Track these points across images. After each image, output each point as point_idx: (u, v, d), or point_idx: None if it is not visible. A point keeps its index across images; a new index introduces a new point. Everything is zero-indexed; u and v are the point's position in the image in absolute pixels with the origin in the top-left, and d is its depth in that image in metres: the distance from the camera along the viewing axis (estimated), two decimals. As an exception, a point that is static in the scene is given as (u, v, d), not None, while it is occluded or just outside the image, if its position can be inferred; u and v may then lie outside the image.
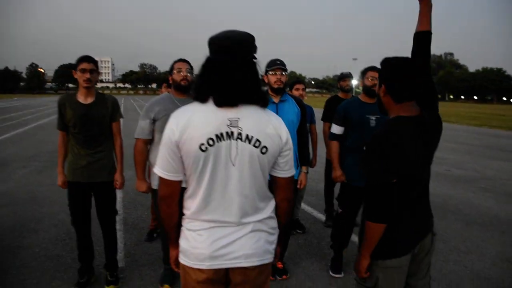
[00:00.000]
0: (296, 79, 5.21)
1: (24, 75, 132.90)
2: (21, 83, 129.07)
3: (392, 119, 1.97)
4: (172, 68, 3.37)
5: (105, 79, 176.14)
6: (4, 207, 5.88)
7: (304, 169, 3.77)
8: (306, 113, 3.76)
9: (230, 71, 1.64)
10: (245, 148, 1.67)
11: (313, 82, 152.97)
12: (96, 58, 3.51)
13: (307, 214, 5.81)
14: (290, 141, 1.82)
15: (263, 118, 1.72)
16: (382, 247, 1.98)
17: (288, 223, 2.10)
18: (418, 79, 1.94)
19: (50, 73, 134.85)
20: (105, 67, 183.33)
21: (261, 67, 1.78)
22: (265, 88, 3.65)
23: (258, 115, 1.71)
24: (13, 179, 7.72)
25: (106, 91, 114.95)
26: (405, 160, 1.86)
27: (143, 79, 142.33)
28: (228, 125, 1.64)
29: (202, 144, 1.62)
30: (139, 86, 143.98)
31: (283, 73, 3.55)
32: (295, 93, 4.80)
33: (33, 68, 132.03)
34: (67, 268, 3.89)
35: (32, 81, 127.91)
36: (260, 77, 1.76)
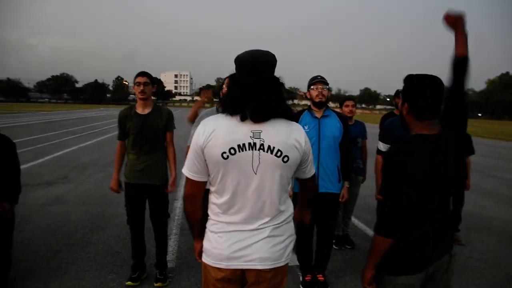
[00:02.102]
0: (347, 96, 5.27)
1: (110, 87, 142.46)
2: (108, 95, 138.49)
3: (407, 137, 2.01)
4: (223, 83, 3.66)
5: (183, 92, 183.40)
6: (80, 206, 6.53)
7: (346, 184, 3.84)
8: (348, 129, 3.83)
9: (257, 90, 1.80)
10: (267, 158, 1.81)
11: (388, 99, 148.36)
12: (176, 72, 3.98)
13: (358, 230, 5.79)
14: (309, 147, 1.96)
15: (284, 129, 1.85)
16: (393, 263, 2.01)
17: (309, 222, 2.30)
18: (440, 98, 1.95)
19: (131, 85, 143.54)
20: (183, 80, 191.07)
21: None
22: (307, 104, 3.80)
23: (280, 127, 1.84)
24: (90, 181, 8.47)
25: (183, 104, 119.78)
26: (413, 178, 1.87)
27: (218, 92, 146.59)
28: (251, 137, 1.80)
29: (224, 152, 1.79)
30: (215, 99, 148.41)
31: (325, 87, 3.68)
32: (345, 109, 4.88)
33: (118, 80, 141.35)
34: (124, 264, 4.26)
35: (117, 93, 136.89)
36: (284, 93, 1.90)
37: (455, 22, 2.14)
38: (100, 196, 7.23)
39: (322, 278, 3.97)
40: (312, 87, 3.71)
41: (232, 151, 1.79)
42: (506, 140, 26.43)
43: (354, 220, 5.88)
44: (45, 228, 5.38)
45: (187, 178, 1.94)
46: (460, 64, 2.11)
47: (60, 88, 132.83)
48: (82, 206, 6.49)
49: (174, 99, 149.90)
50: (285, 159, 1.83)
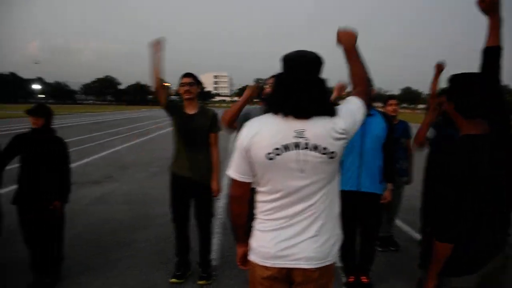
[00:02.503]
0: (389, 95, 5.16)
1: (152, 89, 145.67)
2: (150, 96, 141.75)
3: (458, 139, 1.97)
4: (264, 83, 3.67)
5: (223, 93, 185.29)
6: (124, 205, 6.71)
7: (390, 185, 3.77)
8: (393, 129, 3.74)
9: (301, 89, 1.79)
10: (313, 156, 1.79)
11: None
12: (215, 73, 4.00)
13: (403, 232, 5.64)
14: (354, 123, 1.89)
15: (327, 125, 1.81)
16: (450, 264, 1.96)
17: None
18: (486, 96, 1.91)
19: (175, 87, 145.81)
20: (222, 81, 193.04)
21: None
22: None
23: (323, 123, 1.81)
24: (133, 181, 8.70)
25: (223, 104, 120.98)
26: (466, 180, 1.84)
27: (258, 93, 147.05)
28: (295, 136, 1.79)
29: (269, 153, 1.79)
30: (254, 100, 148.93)
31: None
32: (388, 108, 4.78)
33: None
34: (168, 262, 4.34)
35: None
36: (327, 92, 1.90)
37: (489, 6, 2.01)
38: (143, 195, 7.41)
39: (366, 280, 3.90)
40: None
41: (277, 151, 1.79)
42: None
43: (398, 221, 5.74)
44: (92, 225, 5.56)
45: (233, 179, 1.95)
46: (492, 55, 2.03)
47: (104, 90, 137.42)
48: (126, 205, 6.68)
49: (213, 99, 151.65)
50: (332, 154, 1.80)
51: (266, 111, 1.90)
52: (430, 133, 3.97)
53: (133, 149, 14.26)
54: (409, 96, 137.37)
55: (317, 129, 1.80)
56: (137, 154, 12.86)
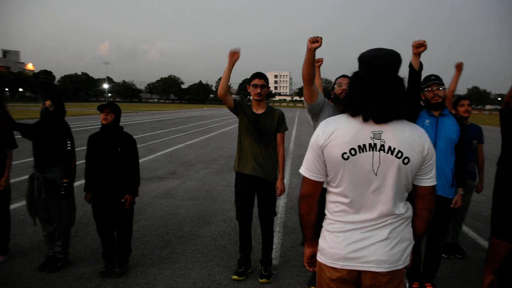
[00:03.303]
0: (461, 96, 4.91)
1: (213, 88, 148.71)
2: (211, 95, 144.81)
3: None
4: (334, 83, 3.63)
5: (283, 92, 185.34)
6: (188, 200, 6.91)
7: (460, 190, 3.60)
8: (465, 132, 3.58)
9: (380, 90, 1.76)
10: (388, 159, 1.77)
11: (499, 99, 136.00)
12: (276, 73, 4.01)
13: (470, 239, 5.37)
14: (433, 152, 1.85)
15: (406, 130, 1.79)
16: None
17: (425, 234, 2.09)
18: None
19: (235, 86, 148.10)
20: (283, 81, 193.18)
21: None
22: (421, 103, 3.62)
23: (401, 128, 1.79)
24: (196, 177, 8.92)
25: (283, 104, 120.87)
26: None
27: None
28: (371, 137, 1.77)
29: (345, 153, 1.78)
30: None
31: (440, 87, 3.47)
32: (460, 109, 4.55)
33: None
34: (229, 259, 4.41)
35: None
36: (405, 93, 1.84)
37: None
38: (205, 191, 7.59)
39: (431, 287, 3.76)
40: (426, 89, 3.52)
41: (353, 151, 1.78)
42: None
43: (464, 228, 5.48)
44: (157, 219, 5.78)
45: (304, 177, 1.95)
46: None
47: (168, 89, 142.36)
48: (189, 201, 6.87)
49: (274, 99, 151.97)
50: (406, 160, 1.76)
51: (342, 111, 1.89)
52: None
53: (195, 146, 14.63)
54: (476, 97, 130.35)
55: (395, 132, 1.77)
56: (199, 152, 13.18)
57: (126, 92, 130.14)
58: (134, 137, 4.05)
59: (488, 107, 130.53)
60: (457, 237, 4.87)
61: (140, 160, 10.38)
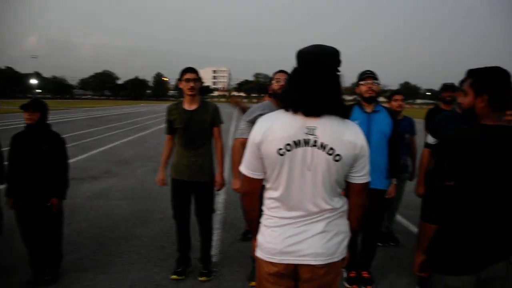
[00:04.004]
0: (395, 90, 5.12)
1: (150, 84, 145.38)
2: (148, 91, 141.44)
3: (472, 126, 1.97)
4: (272, 78, 3.63)
5: (222, 87, 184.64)
6: (124, 200, 6.69)
7: (394, 180, 3.74)
8: (398, 125, 3.72)
9: (313, 83, 1.77)
10: (320, 155, 1.78)
11: (428, 93, 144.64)
12: (214, 68, 3.93)
13: (403, 227, 5.64)
14: (366, 150, 1.88)
15: (339, 127, 1.81)
16: (441, 260, 1.99)
17: (360, 228, 2.14)
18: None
19: (173, 82, 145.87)
20: (222, 76, 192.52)
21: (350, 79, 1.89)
22: (356, 99, 3.71)
23: (335, 124, 1.81)
24: (133, 176, 8.67)
25: (221, 99, 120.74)
26: (468, 166, 1.86)
27: (257, 88, 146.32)
28: (305, 133, 1.78)
29: (280, 148, 1.79)
30: (252, 94, 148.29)
31: (374, 82, 3.58)
32: (394, 103, 4.73)
33: (158, 77, 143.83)
34: (168, 258, 4.32)
35: (157, 89, 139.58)
36: (341, 90, 1.86)
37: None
38: (142, 190, 7.38)
39: (367, 275, 3.91)
40: (361, 82, 3.62)
41: (288, 147, 1.79)
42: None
43: (397, 217, 5.72)
44: (91, 221, 5.53)
45: (244, 175, 1.95)
46: None
47: (102, 85, 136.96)
48: (125, 201, 6.65)
49: (212, 94, 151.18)
50: (337, 157, 1.79)
51: (279, 107, 1.90)
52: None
53: (132, 144, 14.21)
54: (407, 91, 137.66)
55: (329, 128, 1.79)
56: (136, 149, 12.81)
57: (57, 88, 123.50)
58: (65, 135, 3.83)
59: (418, 101, 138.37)
60: (391, 226, 5.09)
61: (73, 160, 9.93)
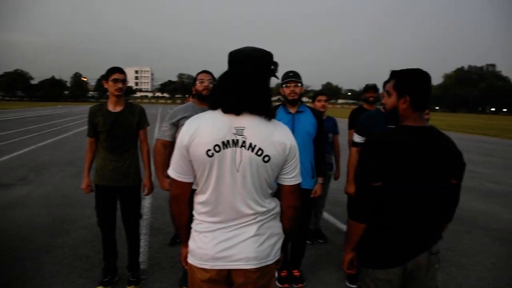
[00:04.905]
0: (318, 91, 5.27)
1: (68, 84, 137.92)
2: (65, 92, 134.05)
3: (395, 127, 2.05)
4: (195, 79, 3.56)
5: (144, 88, 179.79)
6: (41, 208, 6.23)
7: (320, 179, 3.83)
8: (323, 125, 3.82)
9: (238, 81, 1.77)
10: (248, 156, 1.77)
11: (349, 94, 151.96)
12: (136, 68, 3.77)
13: (330, 224, 5.83)
14: (296, 151, 1.90)
15: (268, 128, 1.81)
16: (370, 255, 2.07)
17: (293, 230, 2.15)
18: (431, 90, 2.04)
19: (92, 82, 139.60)
20: (144, 76, 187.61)
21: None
22: (281, 99, 3.76)
23: (264, 125, 1.80)
24: (51, 182, 8.13)
25: (144, 100, 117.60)
26: (393, 166, 1.93)
27: (181, 88, 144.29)
28: (234, 133, 1.76)
29: (209, 150, 1.74)
30: (176, 95, 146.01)
31: (297, 84, 3.64)
32: (317, 104, 4.87)
33: (77, 77, 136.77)
34: (93, 268, 4.09)
35: (76, 90, 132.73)
36: (268, 90, 1.86)
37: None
38: (62, 197, 6.95)
39: (298, 273, 3.98)
40: (284, 85, 3.66)
41: (217, 148, 1.75)
42: (468, 133, 27.40)
43: (324, 214, 5.91)
44: (4, 234, 5.09)
45: (172, 179, 1.88)
46: None
47: (14, 85, 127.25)
48: (44, 209, 6.20)
49: (135, 95, 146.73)
50: (266, 158, 1.78)
51: (209, 107, 1.87)
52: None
53: (49, 148, 13.31)
54: (330, 92, 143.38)
55: (257, 129, 1.78)
56: (54, 154, 12.03)
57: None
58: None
59: (340, 101, 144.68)
60: (318, 223, 5.23)
61: (-19, 167, 9.12)
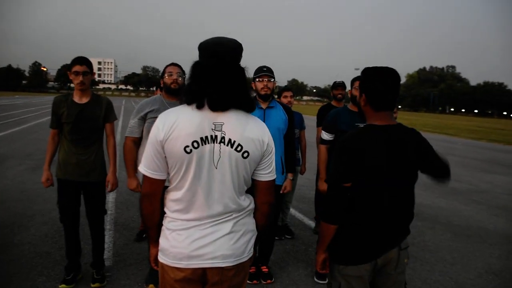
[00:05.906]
0: (284, 87, 5.27)
1: (26, 74, 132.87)
2: (24, 81, 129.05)
3: (362, 127, 2.05)
4: (164, 71, 3.46)
5: (108, 80, 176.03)
6: (-2, 203, 5.92)
7: (290, 175, 3.82)
8: (293, 120, 3.82)
9: (219, 76, 1.70)
10: (227, 152, 1.72)
11: (314, 91, 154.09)
12: (99, 59, 3.62)
13: (297, 220, 5.85)
14: (272, 146, 1.86)
15: (247, 123, 1.76)
16: (341, 252, 2.08)
17: (268, 226, 2.11)
18: (396, 89, 2.01)
19: (53, 73, 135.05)
20: (107, 68, 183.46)
21: (250, 74, 1.84)
22: (253, 94, 3.72)
23: (242, 121, 1.75)
24: (7, 176, 7.76)
25: (107, 92, 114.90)
26: (363, 166, 1.94)
27: (145, 81, 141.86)
28: (212, 129, 1.70)
29: (187, 146, 1.67)
30: (141, 88, 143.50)
31: (270, 80, 3.61)
32: (283, 100, 4.88)
33: (36, 66, 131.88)
34: (55, 265, 3.93)
35: (35, 80, 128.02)
36: (247, 83, 1.82)
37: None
38: (20, 192, 6.63)
39: (266, 270, 3.96)
40: (257, 79, 3.62)
41: (195, 144, 1.68)
42: (432, 132, 28.19)
43: (291, 210, 5.92)
44: (-42, 229, 4.81)
45: (144, 176, 1.79)
46: None
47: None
48: (1, 204, 5.90)
49: (97, 87, 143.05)
50: (245, 154, 1.74)
51: (182, 102, 1.78)
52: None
53: (6, 140, 12.73)
54: (295, 88, 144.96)
55: (236, 125, 1.73)
56: (11, 146, 11.52)
57: None
58: None
59: (305, 97, 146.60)
60: (285, 219, 5.22)
61: None
